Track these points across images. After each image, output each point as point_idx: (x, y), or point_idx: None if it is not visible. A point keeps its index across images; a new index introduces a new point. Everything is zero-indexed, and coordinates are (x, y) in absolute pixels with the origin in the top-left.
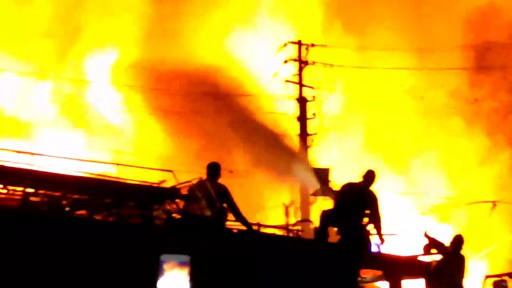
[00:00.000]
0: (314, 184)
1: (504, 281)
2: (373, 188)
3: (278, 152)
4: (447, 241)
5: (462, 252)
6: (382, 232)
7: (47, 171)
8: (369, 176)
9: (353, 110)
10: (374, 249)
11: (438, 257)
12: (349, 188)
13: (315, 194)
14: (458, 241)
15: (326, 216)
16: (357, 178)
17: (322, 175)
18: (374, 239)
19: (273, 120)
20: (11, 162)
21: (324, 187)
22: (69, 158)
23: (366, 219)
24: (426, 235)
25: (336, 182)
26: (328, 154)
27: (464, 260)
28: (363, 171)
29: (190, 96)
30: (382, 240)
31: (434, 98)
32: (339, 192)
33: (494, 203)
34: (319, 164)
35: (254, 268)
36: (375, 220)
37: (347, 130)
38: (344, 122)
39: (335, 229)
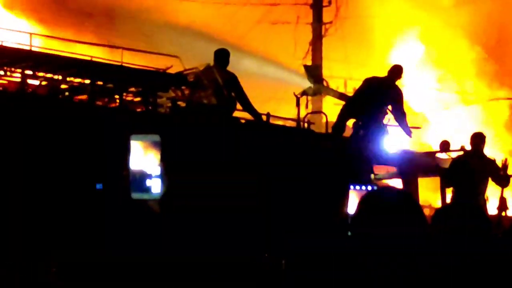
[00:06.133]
0: (304, 82)
1: None
2: (399, 83)
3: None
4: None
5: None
6: (408, 126)
7: (47, 53)
8: (395, 71)
9: None
10: (389, 143)
11: (457, 154)
12: (373, 82)
13: (304, 94)
14: (477, 137)
15: (345, 109)
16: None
17: (313, 73)
18: (393, 134)
19: (284, 9)
20: (9, 42)
21: (318, 85)
22: (70, 40)
23: (387, 115)
24: None
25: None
26: (344, 46)
27: (491, 162)
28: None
29: None
30: (409, 133)
31: None
32: (362, 85)
33: None
34: (332, 56)
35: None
36: (399, 115)
37: (366, 19)
38: (364, 10)
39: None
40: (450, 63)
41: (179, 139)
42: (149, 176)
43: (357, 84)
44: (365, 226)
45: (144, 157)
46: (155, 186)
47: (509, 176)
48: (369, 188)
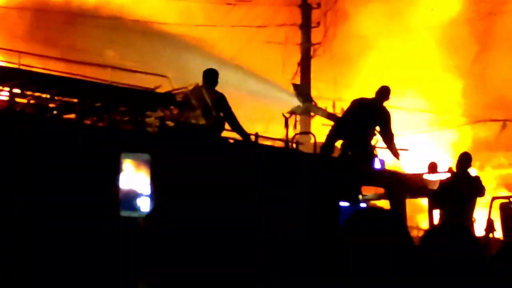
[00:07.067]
0: (292, 101)
1: None
2: (386, 104)
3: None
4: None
5: (470, 170)
6: (396, 148)
7: (36, 71)
8: (383, 92)
9: (361, 19)
10: (377, 165)
11: (444, 176)
12: (360, 103)
13: (293, 113)
14: (464, 159)
15: (334, 130)
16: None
17: (302, 91)
18: (380, 156)
19: (274, 29)
20: None
21: (307, 104)
22: (60, 59)
23: (375, 137)
24: None
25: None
26: (332, 66)
27: (475, 181)
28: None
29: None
30: (397, 156)
31: (446, 9)
32: (350, 106)
33: (504, 122)
34: (322, 76)
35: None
36: (388, 136)
37: (354, 41)
38: (351, 32)
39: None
40: (436, 85)
41: (170, 159)
42: (139, 195)
43: (346, 105)
44: (352, 245)
45: (134, 176)
46: (145, 204)
47: (484, 188)
48: (358, 208)
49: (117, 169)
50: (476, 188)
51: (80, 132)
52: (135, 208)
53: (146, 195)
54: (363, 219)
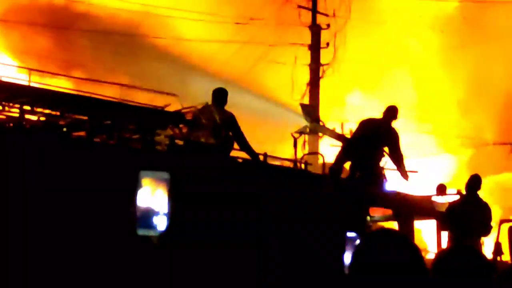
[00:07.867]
0: (300, 122)
1: None
2: (394, 124)
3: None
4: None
5: (480, 193)
6: (405, 169)
7: (46, 88)
8: (390, 112)
9: (370, 40)
10: (385, 187)
11: (453, 198)
12: (368, 123)
13: (301, 132)
14: (474, 181)
15: (342, 151)
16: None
17: (310, 112)
18: (389, 177)
19: (284, 49)
20: (8, 77)
21: (315, 124)
22: (70, 77)
23: (383, 157)
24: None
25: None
26: (341, 86)
27: (486, 206)
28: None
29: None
30: (406, 177)
31: (455, 31)
32: (358, 127)
33: None
34: (330, 96)
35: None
36: (397, 157)
37: (362, 61)
38: (359, 53)
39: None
40: (443, 107)
41: (189, 177)
42: (156, 213)
43: (354, 126)
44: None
45: (152, 194)
46: (162, 223)
47: (491, 226)
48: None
49: (135, 187)
50: (485, 213)
51: (99, 150)
52: (152, 227)
53: (164, 214)
54: (377, 242)
